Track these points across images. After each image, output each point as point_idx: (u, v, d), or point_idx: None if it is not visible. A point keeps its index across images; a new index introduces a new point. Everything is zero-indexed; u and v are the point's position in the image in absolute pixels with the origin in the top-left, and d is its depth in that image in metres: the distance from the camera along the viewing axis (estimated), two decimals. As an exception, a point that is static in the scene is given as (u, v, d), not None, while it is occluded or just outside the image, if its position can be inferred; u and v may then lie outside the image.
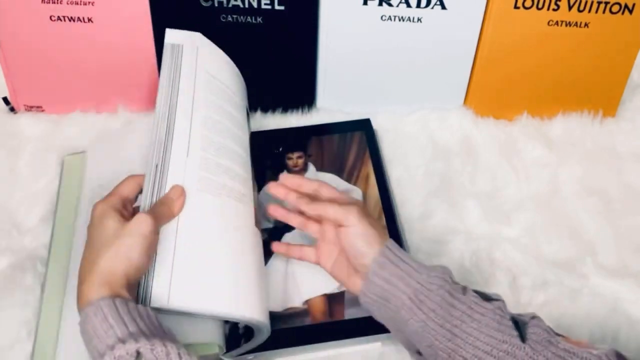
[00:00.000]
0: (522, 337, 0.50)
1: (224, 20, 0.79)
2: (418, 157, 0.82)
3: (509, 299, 0.67)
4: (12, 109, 0.85)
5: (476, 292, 0.54)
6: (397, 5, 0.78)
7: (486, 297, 0.54)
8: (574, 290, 0.70)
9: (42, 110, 0.85)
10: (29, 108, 0.85)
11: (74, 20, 0.77)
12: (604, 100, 0.86)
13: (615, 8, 0.78)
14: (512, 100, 0.86)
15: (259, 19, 0.79)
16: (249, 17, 0.79)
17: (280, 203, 0.65)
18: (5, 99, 0.84)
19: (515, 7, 0.78)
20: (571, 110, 0.86)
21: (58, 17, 0.77)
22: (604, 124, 0.86)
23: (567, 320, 0.67)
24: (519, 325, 0.52)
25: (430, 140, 0.84)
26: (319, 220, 0.62)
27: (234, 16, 0.78)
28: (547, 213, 0.77)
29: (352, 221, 0.57)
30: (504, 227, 0.76)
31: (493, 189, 0.80)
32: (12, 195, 0.76)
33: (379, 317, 0.57)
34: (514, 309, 0.55)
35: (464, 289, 0.54)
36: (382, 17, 0.79)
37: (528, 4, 0.78)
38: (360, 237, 0.57)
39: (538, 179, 0.81)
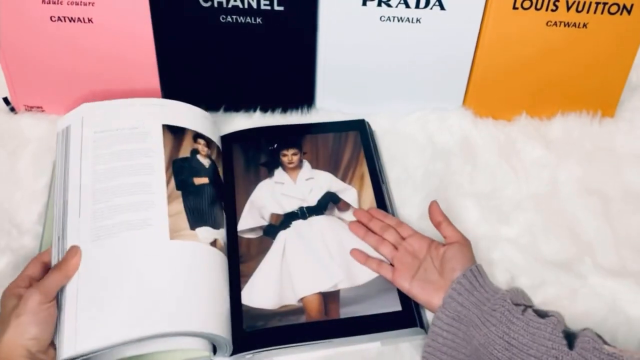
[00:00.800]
0: (571, 345, 0.57)
1: (223, 21, 0.79)
2: (417, 158, 0.83)
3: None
4: (13, 109, 0.85)
5: (536, 310, 0.62)
6: (396, 6, 0.78)
7: (543, 314, 0.61)
8: (573, 290, 0.70)
9: (42, 111, 0.85)
10: (29, 108, 0.85)
11: (74, 21, 0.77)
12: (602, 100, 0.86)
13: (614, 9, 0.78)
14: (511, 101, 0.86)
15: (258, 20, 0.79)
16: (248, 18, 0.79)
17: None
18: (5, 99, 0.84)
19: (514, 7, 0.78)
20: (570, 110, 0.86)
21: (58, 17, 0.77)
22: (603, 124, 0.86)
23: (566, 320, 0.66)
24: (570, 336, 0.58)
25: (430, 140, 0.84)
26: (394, 245, 0.71)
27: (234, 17, 0.79)
28: (546, 213, 0.77)
29: (468, 243, 0.68)
30: (503, 227, 0.76)
31: (492, 189, 0.80)
32: (12, 195, 0.76)
33: (446, 335, 0.63)
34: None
35: (524, 310, 0.61)
36: (381, 18, 0.79)
37: (527, 4, 0.78)
38: (462, 254, 0.66)
39: (537, 179, 0.81)
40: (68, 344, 0.57)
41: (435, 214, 0.70)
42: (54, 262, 0.63)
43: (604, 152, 0.84)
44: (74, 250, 0.62)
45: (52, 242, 0.65)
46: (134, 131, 0.71)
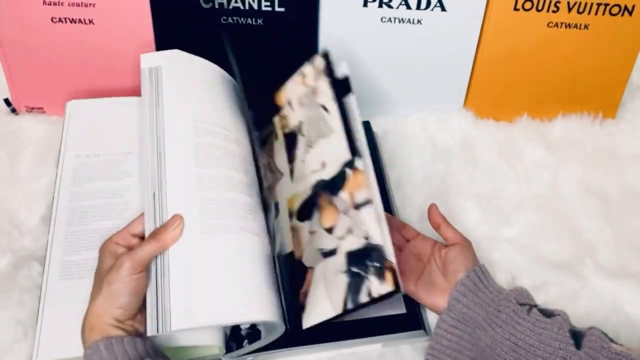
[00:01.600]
0: (578, 345, 0.57)
1: (224, 22, 0.79)
2: (418, 159, 0.83)
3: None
4: (14, 110, 0.85)
5: (541, 310, 0.61)
6: (397, 7, 0.78)
7: (549, 314, 0.61)
8: (574, 290, 0.70)
9: (43, 112, 0.85)
10: (30, 109, 0.85)
11: (75, 22, 0.77)
12: (604, 101, 0.86)
13: (615, 10, 0.78)
14: (512, 102, 0.86)
15: (259, 21, 0.79)
16: (249, 19, 0.79)
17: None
18: (6, 100, 0.84)
19: (515, 9, 0.78)
20: (571, 111, 0.86)
21: (59, 18, 0.77)
22: (604, 125, 0.86)
23: (567, 320, 0.67)
24: (577, 335, 0.58)
25: (430, 141, 0.84)
26: (398, 247, 0.70)
27: (235, 18, 0.79)
28: (547, 214, 0.77)
29: (465, 243, 0.67)
30: (503, 228, 0.76)
31: (493, 190, 0.80)
32: (12, 195, 0.76)
33: (451, 337, 0.63)
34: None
35: (530, 309, 0.61)
36: (382, 19, 0.79)
37: (528, 5, 0.78)
38: (464, 255, 0.65)
39: (538, 180, 0.81)
40: (180, 315, 0.54)
41: (434, 216, 0.70)
42: (148, 218, 0.59)
43: (605, 153, 0.84)
44: (176, 220, 0.57)
45: (144, 199, 0.59)
46: (229, 104, 0.68)
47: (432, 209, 0.70)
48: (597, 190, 0.80)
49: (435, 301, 0.65)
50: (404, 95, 0.86)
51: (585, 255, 0.73)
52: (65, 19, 0.77)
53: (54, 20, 0.77)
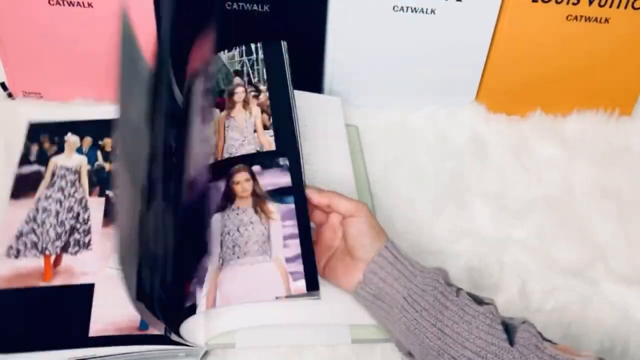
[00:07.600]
0: (511, 341, 0.52)
1: (229, 8, 0.77)
2: (426, 154, 0.81)
3: (517, 304, 0.66)
4: (10, 95, 0.83)
5: (470, 294, 0.56)
6: (411, -4, 0.76)
7: (479, 300, 0.56)
8: (584, 296, 0.68)
9: (41, 97, 0.83)
10: (27, 94, 0.83)
11: (73, 5, 0.75)
12: (620, 98, 0.84)
13: (638, 4, 0.75)
14: (526, 96, 0.84)
15: (265, 7, 0.77)
16: (255, 5, 0.77)
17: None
18: (2, 85, 0.83)
19: (533, 0, 0.75)
20: (586, 107, 0.84)
21: (57, 1, 0.75)
22: (620, 122, 0.85)
23: (576, 327, 0.66)
24: (509, 329, 0.53)
25: (440, 136, 0.83)
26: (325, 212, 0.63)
27: (240, 3, 0.76)
28: (558, 215, 0.76)
29: (364, 212, 0.60)
30: (513, 228, 0.74)
31: (502, 188, 0.78)
32: (8, 183, 0.74)
33: (372, 314, 0.59)
34: (522, 314, 0.56)
35: (458, 292, 0.55)
36: (394, 8, 0.77)
37: (546, -3, 0.75)
38: (367, 230, 0.59)
39: (549, 179, 0.79)
40: None
41: (319, 197, 0.61)
42: None
43: (620, 152, 0.82)
44: None
45: None
46: None
47: (309, 194, 0.61)
48: (610, 191, 0.78)
49: (351, 280, 0.59)
50: (413, 87, 0.84)
51: (597, 259, 0.72)
52: (63, 1, 0.75)
53: (52, 3, 0.75)
